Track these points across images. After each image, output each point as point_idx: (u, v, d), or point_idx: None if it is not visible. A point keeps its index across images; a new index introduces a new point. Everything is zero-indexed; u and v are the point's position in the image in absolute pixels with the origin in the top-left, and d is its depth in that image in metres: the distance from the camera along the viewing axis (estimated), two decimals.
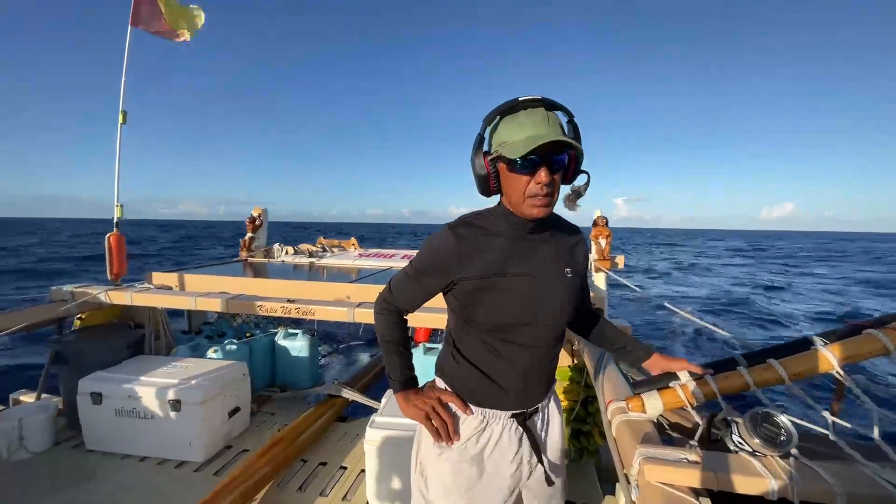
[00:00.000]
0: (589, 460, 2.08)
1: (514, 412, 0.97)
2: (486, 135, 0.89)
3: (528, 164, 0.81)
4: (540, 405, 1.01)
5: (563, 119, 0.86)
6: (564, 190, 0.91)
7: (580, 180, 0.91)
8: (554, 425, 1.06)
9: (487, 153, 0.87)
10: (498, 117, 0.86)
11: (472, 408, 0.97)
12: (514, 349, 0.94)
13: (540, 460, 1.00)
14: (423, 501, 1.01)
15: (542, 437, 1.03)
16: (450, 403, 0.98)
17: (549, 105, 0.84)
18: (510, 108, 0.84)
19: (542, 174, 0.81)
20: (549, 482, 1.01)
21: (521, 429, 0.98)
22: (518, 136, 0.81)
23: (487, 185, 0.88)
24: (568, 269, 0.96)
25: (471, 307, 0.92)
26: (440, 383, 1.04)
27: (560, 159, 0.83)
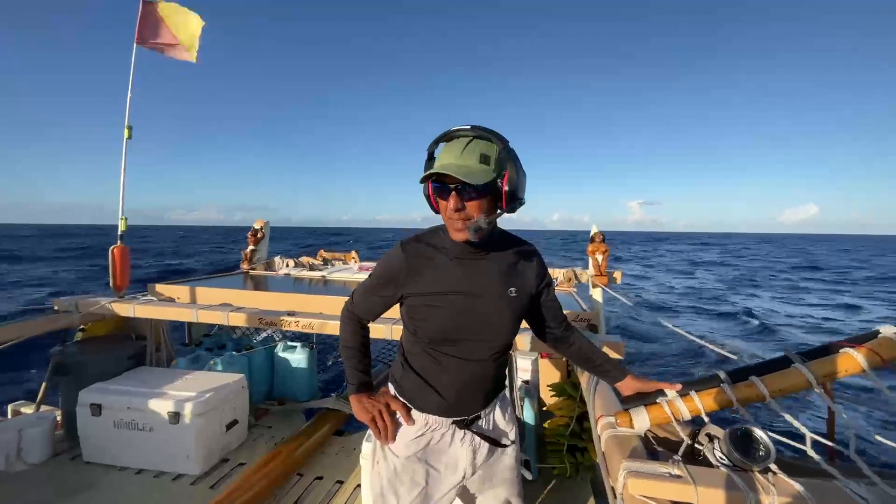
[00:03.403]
0: (585, 475, 2.08)
1: (454, 419, 1.04)
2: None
3: (439, 190, 0.89)
4: (482, 412, 1.07)
5: (497, 147, 0.88)
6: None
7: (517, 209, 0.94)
8: (500, 430, 1.12)
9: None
10: (439, 144, 0.93)
11: (416, 413, 1.04)
12: (453, 361, 1.00)
13: (495, 443, 1.08)
14: (380, 496, 1.06)
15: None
16: (395, 410, 1.04)
17: (478, 134, 0.88)
18: (445, 137, 0.91)
19: (451, 201, 0.86)
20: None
21: (462, 432, 1.05)
22: (438, 163, 0.89)
23: (431, 205, 0.96)
24: (513, 290, 1.00)
25: (415, 320, 1.00)
26: (391, 389, 1.10)
27: (473, 188, 0.85)
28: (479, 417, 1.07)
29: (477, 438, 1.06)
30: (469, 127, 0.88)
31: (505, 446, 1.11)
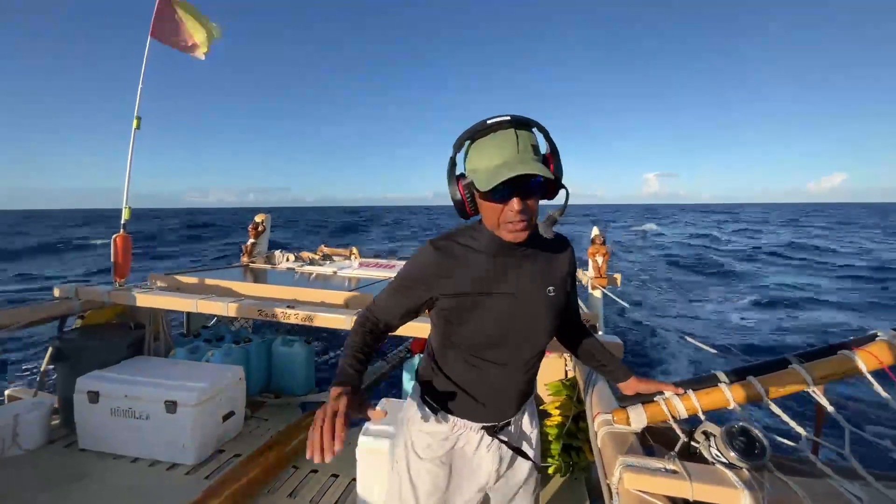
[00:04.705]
0: (579, 475, 2.08)
1: (484, 424, 1.00)
2: (459, 159, 0.86)
3: (500, 193, 0.78)
4: (513, 419, 1.04)
5: (539, 135, 0.82)
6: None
7: (561, 197, 0.86)
8: (526, 436, 1.09)
9: (462, 176, 0.85)
10: (468, 142, 0.83)
11: (444, 416, 1.00)
12: (491, 367, 0.94)
13: (522, 454, 1.04)
14: (398, 499, 1.04)
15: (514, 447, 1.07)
16: (344, 412, 0.73)
17: (519, 124, 0.79)
18: (478, 132, 0.80)
19: (515, 203, 0.78)
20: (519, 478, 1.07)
21: (489, 439, 1.01)
22: (487, 163, 0.78)
23: (464, 209, 0.86)
24: (551, 288, 0.94)
25: (450, 325, 0.92)
26: (419, 390, 1.06)
27: (535, 183, 0.78)
28: (509, 424, 1.04)
29: (504, 446, 1.03)
30: (509, 118, 0.78)
31: (528, 456, 1.08)
